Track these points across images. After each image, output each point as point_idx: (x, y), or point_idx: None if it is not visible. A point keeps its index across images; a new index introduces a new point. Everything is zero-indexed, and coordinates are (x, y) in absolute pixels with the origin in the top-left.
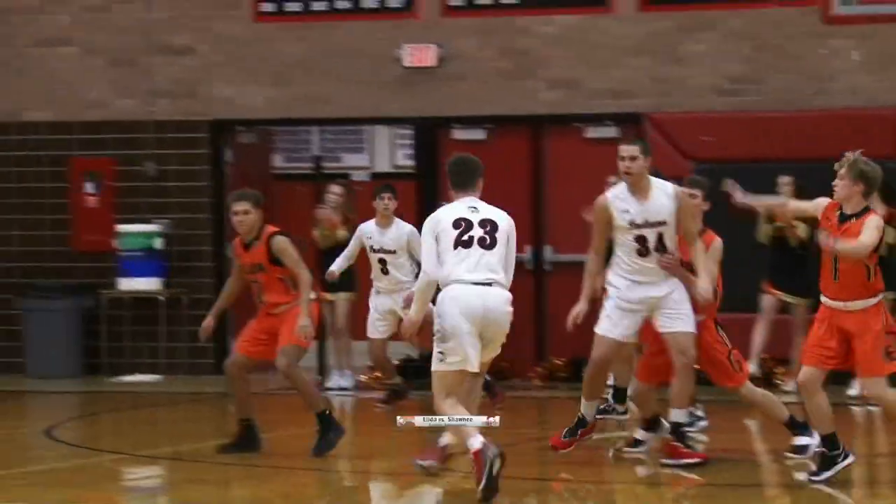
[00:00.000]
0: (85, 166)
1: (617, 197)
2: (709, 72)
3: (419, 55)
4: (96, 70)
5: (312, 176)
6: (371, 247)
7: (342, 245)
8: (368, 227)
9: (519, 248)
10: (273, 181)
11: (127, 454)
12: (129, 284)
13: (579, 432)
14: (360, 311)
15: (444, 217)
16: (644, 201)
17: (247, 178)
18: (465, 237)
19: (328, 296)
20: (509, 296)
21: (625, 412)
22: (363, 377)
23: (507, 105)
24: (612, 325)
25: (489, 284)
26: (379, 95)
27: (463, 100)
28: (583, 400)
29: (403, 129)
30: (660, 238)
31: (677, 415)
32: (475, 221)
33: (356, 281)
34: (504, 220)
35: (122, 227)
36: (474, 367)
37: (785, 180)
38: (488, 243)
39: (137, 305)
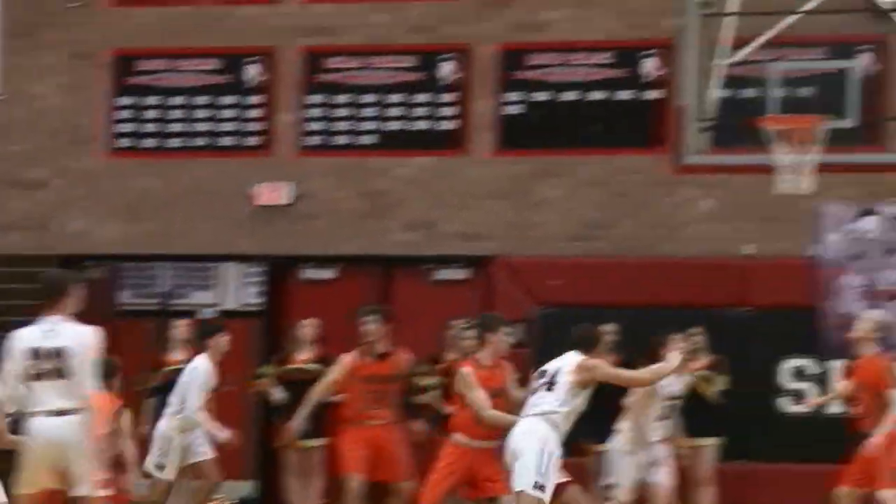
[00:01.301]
0: None
1: None
2: (562, 217)
3: (272, 193)
4: None
5: (158, 313)
6: None
7: None
8: None
9: None
10: (118, 317)
11: None
12: None
13: None
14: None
15: (17, 344)
16: None
17: (91, 313)
18: (35, 371)
19: None
20: (80, 420)
21: None
22: None
23: (360, 245)
24: None
25: (60, 414)
26: (231, 232)
27: (315, 239)
28: None
29: (254, 267)
30: None
31: None
32: (46, 351)
33: None
34: (77, 343)
35: None
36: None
37: (608, 328)
38: (60, 374)
39: None
